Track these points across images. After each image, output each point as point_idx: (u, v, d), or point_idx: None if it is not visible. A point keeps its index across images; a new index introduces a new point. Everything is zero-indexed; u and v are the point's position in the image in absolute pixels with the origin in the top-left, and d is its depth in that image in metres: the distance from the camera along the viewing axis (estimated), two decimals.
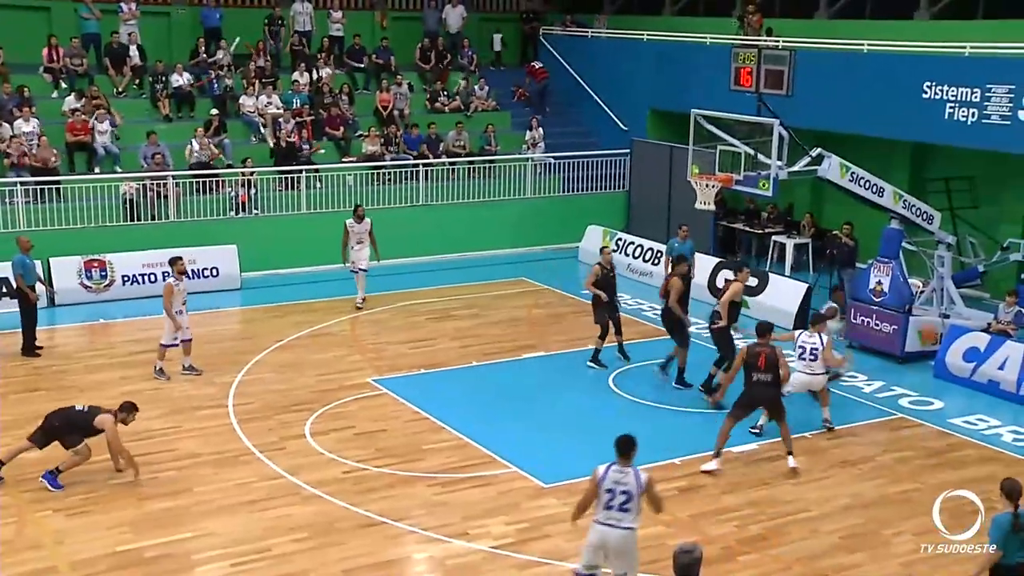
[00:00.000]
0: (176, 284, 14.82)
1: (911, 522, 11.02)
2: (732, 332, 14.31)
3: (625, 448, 8.61)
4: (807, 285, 18.25)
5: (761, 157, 15.70)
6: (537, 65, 27.17)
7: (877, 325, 16.47)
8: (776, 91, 15.69)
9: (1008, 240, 17.93)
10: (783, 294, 18.33)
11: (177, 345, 15.01)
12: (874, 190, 16.08)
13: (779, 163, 15.52)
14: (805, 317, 17.42)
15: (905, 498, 11.62)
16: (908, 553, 10.37)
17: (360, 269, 18.49)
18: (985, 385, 14.98)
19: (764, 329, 12.42)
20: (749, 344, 12.46)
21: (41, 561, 9.96)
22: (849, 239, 18.41)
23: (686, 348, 14.84)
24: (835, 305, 16.24)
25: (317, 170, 22.04)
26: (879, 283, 16.46)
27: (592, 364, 15.57)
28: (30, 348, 16.08)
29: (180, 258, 15.22)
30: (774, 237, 21.85)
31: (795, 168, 15.76)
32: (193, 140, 21.20)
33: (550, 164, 24.32)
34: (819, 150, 15.70)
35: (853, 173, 15.87)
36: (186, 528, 10.59)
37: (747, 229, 22.67)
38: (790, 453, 12.16)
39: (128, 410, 11.70)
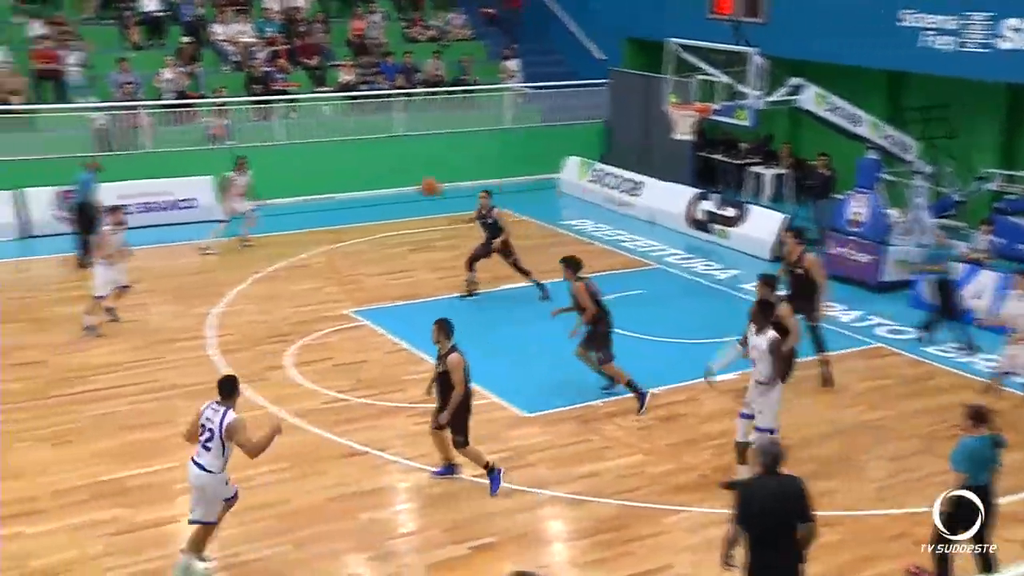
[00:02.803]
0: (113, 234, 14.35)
1: (886, 447, 11.21)
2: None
3: (222, 387, 8.62)
4: (785, 216, 18.28)
5: (739, 87, 15.61)
6: None
7: (853, 255, 16.56)
8: (753, 19, 15.56)
9: (983, 169, 18.00)
10: (761, 225, 18.37)
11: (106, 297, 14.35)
12: (851, 120, 16.05)
13: (757, 93, 15.44)
14: (780, 247, 17.51)
15: (880, 424, 11.79)
16: (883, 478, 10.55)
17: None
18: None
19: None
20: None
21: (23, 491, 9.97)
22: (825, 169, 18.41)
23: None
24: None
25: (292, 100, 21.75)
26: (857, 213, 16.51)
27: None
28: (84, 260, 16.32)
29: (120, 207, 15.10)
30: (752, 168, 21.83)
31: (773, 98, 15.69)
32: (165, 70, 20.83)
33: (528, 94, 24.08)
34: (796, 80, 15.61)
35: (830, 102, 15.82)
36: (167, 458, 10.60)
37: (725, 160, 22.62)
38: None
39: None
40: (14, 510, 9.61)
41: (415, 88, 23.11)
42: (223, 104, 20.78)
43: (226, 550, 9.07)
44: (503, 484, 10.08)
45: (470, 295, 15.75)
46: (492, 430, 11.44)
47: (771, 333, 10.00)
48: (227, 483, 8.68)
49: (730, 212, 19.01)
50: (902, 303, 15.73)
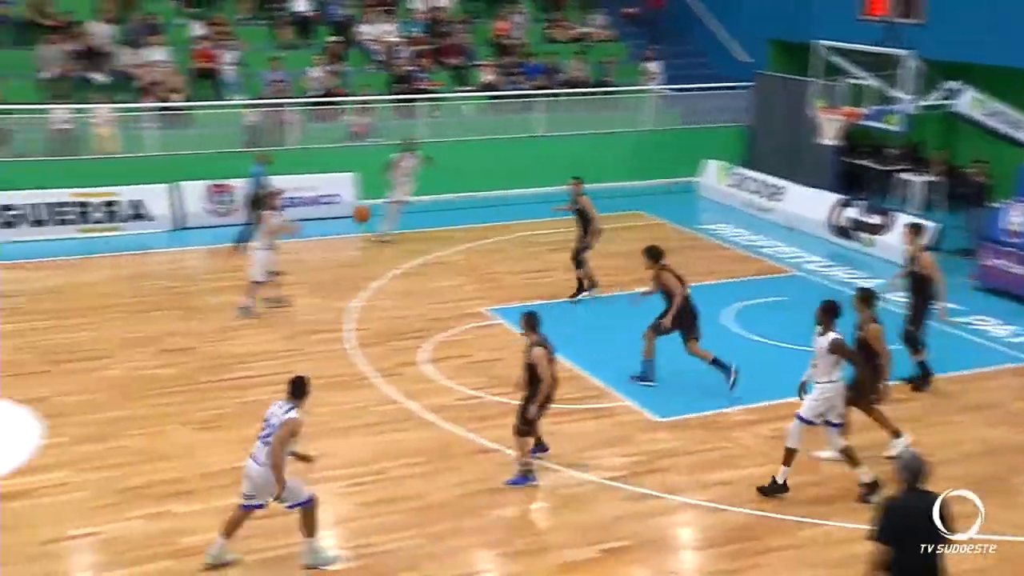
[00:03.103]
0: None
1: None
2: None
3: (292, 387, 8.63)
4: (935, 226, 17.58)
5: (890, 91, 15.10)
6: None
7: (1011, 267, 15.81)
8: (909, 19, 15.01)
9: None
10: None
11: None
12: (1012, 125, 15.35)
13: (909, 97, 14.91)
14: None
15: None
16: None
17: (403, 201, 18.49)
18: None
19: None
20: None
21: (174, 471, 10.39)
22: (981, 177, 17.64)
23: None
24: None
25: (435, 99, 22.08)
26: (1016, 223, 15.77)
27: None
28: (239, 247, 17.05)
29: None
30: (901, 174, 21.08)
31: (926, 102, 15.13)
32: (314, 69, 21.43)
33: (669, 96, 23.85)
34: (954, 83, 15.01)
35: (989, 107, 15.17)
36: (306, 447, 10.82)
37: (872, 166, 21.90)
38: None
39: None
40: (166, 490, 10.01)
41: (556, 89, 23.16)
42: (367, 102, 21.23)
43: (359, 540, 9.26)
44: (632, 488, 10.00)
45: (584, 293, 15.55)
46: (624, 433, 11.37)
47: (832, 335, 9.76)
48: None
49: (876, 220, 18.40)
50: None
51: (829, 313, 9.93)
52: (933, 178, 20.72)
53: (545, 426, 11.47)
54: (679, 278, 12.29)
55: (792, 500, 10.01)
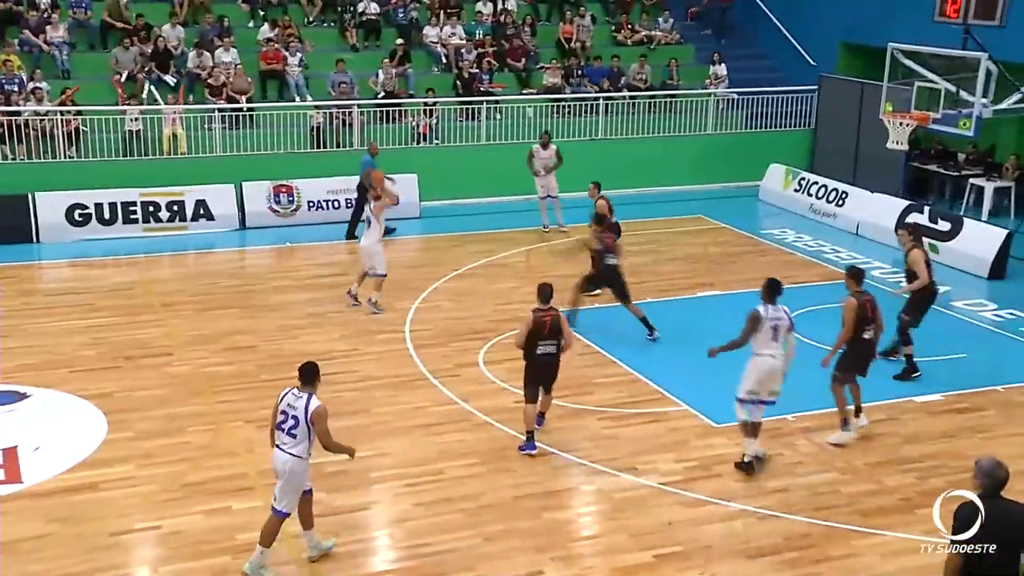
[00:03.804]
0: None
1: None
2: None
3: (304, 374, 8.52)
4: (1007, 231, 17.19)
5: (964, 94, 14.79)
6: None
7: None
8: (986, 21, 14.65)
9: None
10: (978, 241, 17.34)
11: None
12: None
13: (984, 101, 14.58)
14: (1003, 264, 16.52)
15: None
16: None
17: (550, 196, 18.73)
18: None
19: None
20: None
21: (234, 468, 10.55)
22: None
23: None
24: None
25: (498, 101, 22.15)
26: None
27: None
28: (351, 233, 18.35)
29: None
30: (972, 180, 20.65)
31: (1002, 106, 14.79)
32: (379, 71, 21.65)
33: (733, 100, 23.66)
34: None
35: None
36: (363, 447, 10.94)
37: (941, 171, 21.49)
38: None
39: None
40: (226, 486, 10.17)
41: (619, 92, 23.09)
42: (430, 104, 21.37)
43: (415, 540, 9.32)
44: (688, 493, 9.93)
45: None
46: (681, 438, 11.30)
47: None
48: (308, 472, 8.70)
49: (943, 226, 18.04)
50: None
51: (769, 290, 10.63)
52: (1006, 183, 20.28)
53: (602, 430, 11.48)
54: None
55: (850, 510, 9.87)
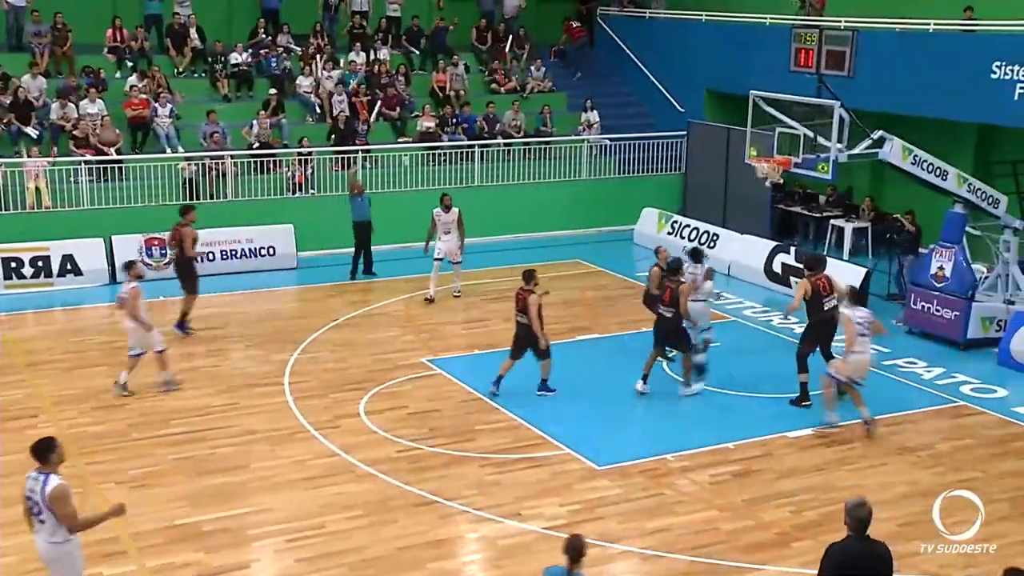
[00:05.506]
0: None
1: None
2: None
3: (37, 452, 7.70)
4: (866, 269, 17.95)
5: (821, 140, 15.45)
6: (575, 24, 27.31)
7: (938, 311, 16.18)
8: (837, 72, 15.38)
9: None
10: (841, 278, 17.98)
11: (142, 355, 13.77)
12: (937, 173, 15.77)
13: (839, 146, 15.25)
14: (864, 301, 17.18)
15: (965, 487, 11.38)
16: (968, 542, 10.19)
17: (452, 261, 18.12)
18: None
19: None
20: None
21: (105, 531, 10.09)
22: (912, 225, 18.06)
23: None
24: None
25: (370, 150, 22.14)
26: (940, 268, 16.17)
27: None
28: (368, 268, 19.53)
29: (135, 262, 14.62)
30: (832, 221, 21.53)
31: (856, 151, 15.49)
32: (254, 122, 21.42)
33: (606, 146, 24.19)
34: (880, 132, 15.41)
35: (915, 156, 15.58)
36: (243, 503, 10.74)
37: (805, 212, 22.36)
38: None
39: None
40: (96, 550, 9.73)
41: (493, 139, 23.36)
42: (307, 153, 21.23)
43: None
44: None
45: None
46: (564, 482, 11.38)
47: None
48: (78, 552, 7.90)
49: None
50: (989, 361, 15.32)
51: (855, 296, 13.21)
52: (863, 224, 21.20)
53: (485, 476, 11.47)
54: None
55: (730, 546, 10.07)
